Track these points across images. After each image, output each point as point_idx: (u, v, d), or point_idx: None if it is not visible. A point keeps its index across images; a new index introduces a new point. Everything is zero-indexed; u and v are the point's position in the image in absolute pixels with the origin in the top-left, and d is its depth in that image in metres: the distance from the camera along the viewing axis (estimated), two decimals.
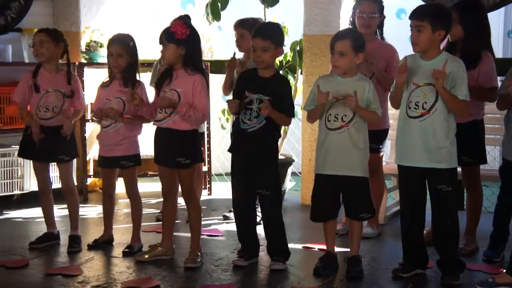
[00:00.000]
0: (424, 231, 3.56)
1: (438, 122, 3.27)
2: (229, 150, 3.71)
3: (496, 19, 7.13)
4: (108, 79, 3.94)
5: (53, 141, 3.92)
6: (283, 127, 5.20)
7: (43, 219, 4.12)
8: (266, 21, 5.29)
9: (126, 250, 3.85)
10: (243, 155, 3.60)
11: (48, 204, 4.08)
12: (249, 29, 4.32)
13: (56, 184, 4.63)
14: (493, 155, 5.54)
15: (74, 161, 5.06)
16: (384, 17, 4.17)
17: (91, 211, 4.94)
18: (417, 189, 3.39)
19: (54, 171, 4.39)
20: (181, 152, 3.58)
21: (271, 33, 3.54)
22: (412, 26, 3.28)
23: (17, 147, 5.12)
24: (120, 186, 4.13)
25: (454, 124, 3.33)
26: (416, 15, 3.28)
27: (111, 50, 3.82)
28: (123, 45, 3.79)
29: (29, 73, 3.98)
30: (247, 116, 3.53)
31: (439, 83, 3.17)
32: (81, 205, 5.08)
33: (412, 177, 3.37)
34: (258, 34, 3.53)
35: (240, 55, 4.51)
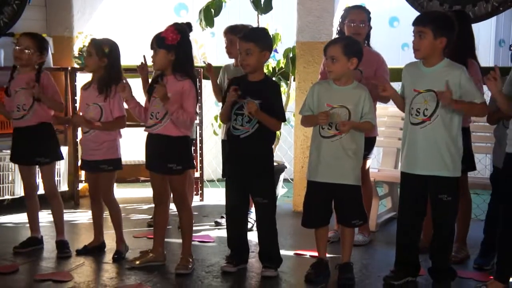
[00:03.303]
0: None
1: (440, 129, 3.27)
2: (225, 159, 3.70)
3: (487, 28, 7.18)
4: (89, 81, 3.93)
5: (31, 143, 3.90)
6: (277, 133, 5.23)
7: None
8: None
9: (116, 256, 3.83)
10: (238, 161, 3.59)
11: (33, 208, 4.05)
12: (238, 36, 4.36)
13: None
14: (484, 163, 5.57)
15: (62, 165, 5.05)
16: (371, 27, 4.20)
17: (83, 216, 4.91)
18: (418, 197, 3.39)
19: (39, 177, 4.36)
20: (173, 158, 3.57)
21: (255, 36, 3.55)
22: (415, 32, 3.28)
23: (8, 151, 5.13)
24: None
25: (458, 131, 3.32)
26: (419, 21, 3.30)
27: (87, 49, 3.86)
28: (94, 45, 3.79)
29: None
30: (238, 122, 3.52)
31: (449, 103, 3.17)
32: (72, 210, 5.08)
33: (414, 185, 3.37)
34: (241, 37, 3.56)
35: (230, 61, 4.53)
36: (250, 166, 3.55)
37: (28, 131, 3.91)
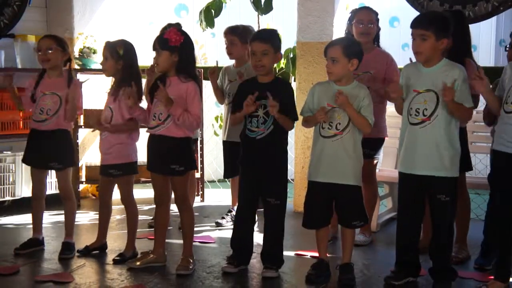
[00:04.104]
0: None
1: (439, 129, 3.28)
2: (239, 162, 3.67)
3: (488, 28, 7.19)
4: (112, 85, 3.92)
5: (46, 147, 3.91)
6: None
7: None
8: (259, 28, 5.33)
9: (117, 258, 3.82)
10: (253, 162, 3.57)
11: (39, 209, 4.05)
12: (239, 36, 4.37)
13: (50, 190, 4.62)
14: (485, 163, 5.57)
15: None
16: (379, 28, 4.20)
17: (83, 217, 4.92)
18: (416, 197, 3.39)
19: (50, 177, 4.37)
20: (175, 159, 3.57)
21: (270, 37, 3.56)
22: (416, 34, 3.26)
23: (9, 153, 5.15)
24: (114, 192, 4.11)
25: (456, 132, 3.33)
26: (421, 23, 3.27)
27: (102, 53, 3.86)
28: (108, 48, 3.78)
29: (33, 80, 3.97)
30: (254, 124, 3.52)
31: (450, 99, 3.18)
32: None
33: (412, 184, 3.37)
34: (258, 37, 3.55)
35: (230, 62, 4.53)
36: (265, 167, 3.54)
37: (46, 135, 3.91)
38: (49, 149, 3.91)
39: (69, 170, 4.03)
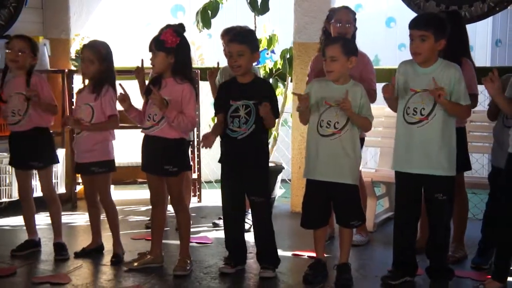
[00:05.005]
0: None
1: (437, 128, 3.28)
2: (220, 161, 3.71)
3: (484, 28, 7.20)
4: (85, 86, 3.91)
5: (25, 148, 3.91)
6: (273, 134, 5.24)
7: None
8: (255, 29, 5.34)
9: (114, 259, 3.82)
10: (235, 162, 3.59)
11: (29, 211, 4.05)
12: None
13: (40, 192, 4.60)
14: (481, 163, 5.59)
15: (59, 168, 5.06)
16: (356, 28, 4.21)
17: (80, 218, 4.91)
18: (413, 196, 3.40)
19: (36, 179, 4.37)
20: (169, 160, 3.57)
21: (246, 38, 3.59)
22: (415, 35, 3.26)
23: (5, 154, 5.14)
24: None
25: (453, 131, 3.34)
26: (420, 24, 3.27)
27: (82, 55, 3.83)
28: (94, 51, 3.77)
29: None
30: (235, 124, 3.53)
31: (441, 99, 3.18)
32: (70, 212, 5.08)
33: (409, 183, 3.38)
34: (233, 39, 3.58)
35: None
36: (246, 166, 3.56)
37: (23, 136, 3.90)
38: (29, 149, 3.90)
39: (51, 170, 4.03)
